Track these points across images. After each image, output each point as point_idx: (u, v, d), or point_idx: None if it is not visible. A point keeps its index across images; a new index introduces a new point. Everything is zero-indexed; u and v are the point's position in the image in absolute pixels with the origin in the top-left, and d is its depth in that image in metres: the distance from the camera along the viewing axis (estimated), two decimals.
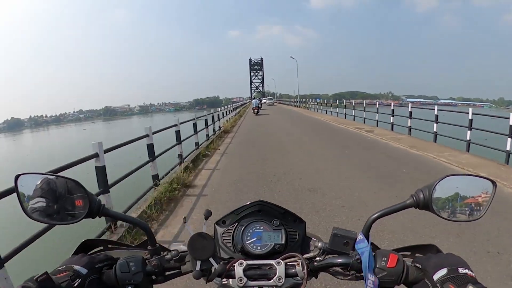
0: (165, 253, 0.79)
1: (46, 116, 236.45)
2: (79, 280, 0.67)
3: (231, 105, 29.00)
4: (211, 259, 0.73)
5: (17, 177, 0.70)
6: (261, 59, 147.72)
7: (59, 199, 0.72)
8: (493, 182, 0.70)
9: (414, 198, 0.72)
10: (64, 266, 0.70)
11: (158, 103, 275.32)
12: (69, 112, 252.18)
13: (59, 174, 0.74)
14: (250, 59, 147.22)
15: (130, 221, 0.83)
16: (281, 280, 0.73)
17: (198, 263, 0.72)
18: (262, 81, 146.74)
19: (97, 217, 0.76)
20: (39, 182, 0.71)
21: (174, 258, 0.77)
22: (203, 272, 0.73)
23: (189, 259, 0.77)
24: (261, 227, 0.86)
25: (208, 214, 0.82)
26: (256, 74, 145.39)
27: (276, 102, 70.66)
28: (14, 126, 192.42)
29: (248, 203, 0.89)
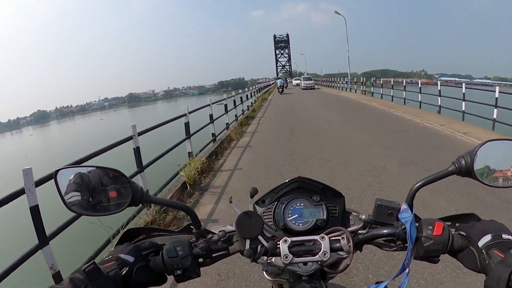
0: (212, 235, 0.80)
1: (71, 106, 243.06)
2: (127, 268, 0.69)
3: (255, 86, 28.68)
4: (260, 237, 0.73)
5: (56, 172, 0.71)
6: (287, 35, 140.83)
7: (101, 191, 0.73)
8: None
9: (456, 165, 0.72)
10: (110, 256, 0.71)
11: (183, 87, 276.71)
12: (95, 101, 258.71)
13: (98, 165, 0.76)
14: (274, 36, 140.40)
15: (174, 206, 0.87)
16: (326, 255, 0.74)
17: (247, 242, 0.72)
18: (289, 59, 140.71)
19: (140, 204, 0.79)
20: (79, 176, 0.73)
21: (221, 239, 0.77)
22: (253, 251, 0.73)
23: (236, 239, 0.77)
24: (302, 204, 0.87)
25: (254, 192, 0.84)
26: (282, 52, 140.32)
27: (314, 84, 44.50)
28: (40, 118, 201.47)
29: (286, 180, 0.90)
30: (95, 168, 0.74)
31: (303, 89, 41.06)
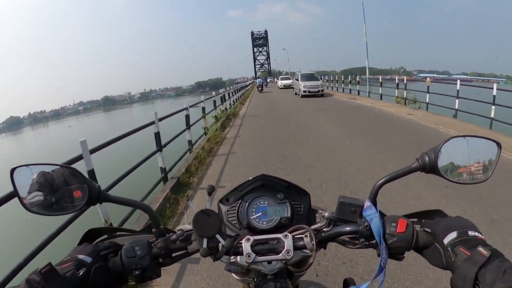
0: (171, 234, 0.79)
1: (44, 111, 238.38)
2: (84, 269, 0.68)
3: (232, 86, 27.63)
4: (217, 236, 0.73)
5: (13, 170, 0.70)
6: (265, 32, 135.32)
7: (58, 189, 0.72)
8: (498, 143, 0.70)
9: (420, 161, 0.72)
10: (68, 257, 0.70)
11: (160, 89, 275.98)
12: (70, 105, 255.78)
13: (56, 163, 0.75)
14: (252, 33, 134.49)
15: (132, 204, 0.82)
16: (289, 253, 0.74)
17: (205, 240, 0.72)
18: (268, 57, 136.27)
19: (98, 203, 0.76)
20: (36, 174, 0.71)
21: (180, 238, 0.76)
22: (211, 250, 0.72)
23: (195, 238, 0.77)
24: (266, 202, 0.87)
25: (211, 190, 0.82)
26: (260, 50, 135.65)
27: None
28: (13, 125, 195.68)
29: (250, 178, 0.90)
30: (52, 166, 0.73)
31: (280, 88, 37.13)
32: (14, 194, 1.98)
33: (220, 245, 0.73)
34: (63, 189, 0.72)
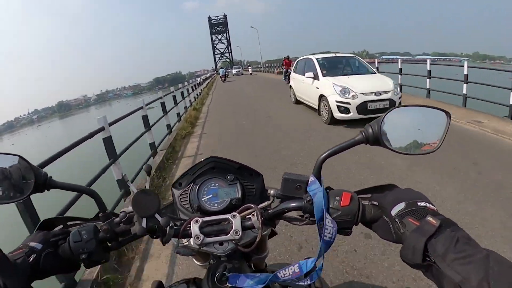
0: (115, 217, 0.79)
1: None
2: (34, 255, 0.69)
3: (193, 80, 25.94)
4: (156, 215, 0.71)
5: None
6: (224, 16, 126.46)
7: (5, 178, 0.73)
8: (447, 113, 0.69)
9: (363, 133, 0.72)
10: (21, 245, 0.72)
11: (117, 88, 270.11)
12: (24, 114, 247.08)
13: (1, 152, 0.76)
14: (209, 18, 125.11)
15: (78, 190, 0.83)
16: (238, 233, 0.75)
17: (144, 220, 0.71)
18: (229, 45, 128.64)
19: (46, 190, 0.77)
20: None
21: (122, 220, 0.76)
22: (154, 232, 0.72)
23: (136, 219, 0.75)
24: (216, 184, 0.89)
25: (149, 169, 0.83)
26: (220, 38, 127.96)
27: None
28: None
29: (201, 160, 0.92)
30: None
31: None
32: None
33: (160, 224, 0.71)
34: (9, 177, 0.73)
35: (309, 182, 0.74)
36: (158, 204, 0.72)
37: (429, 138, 0.71)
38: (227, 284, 0.76)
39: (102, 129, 4.51)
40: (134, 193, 0.71)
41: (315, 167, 0.75)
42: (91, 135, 4.08)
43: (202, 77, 31.94)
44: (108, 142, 4.60)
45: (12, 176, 0.73)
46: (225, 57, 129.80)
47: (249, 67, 55.97)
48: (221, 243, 0.77)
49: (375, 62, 14.09)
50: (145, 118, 6.84)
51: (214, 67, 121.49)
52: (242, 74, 49.42)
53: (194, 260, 0.99)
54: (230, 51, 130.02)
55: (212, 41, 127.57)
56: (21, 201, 0.76)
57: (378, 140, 0.70)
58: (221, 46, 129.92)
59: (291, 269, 0.73)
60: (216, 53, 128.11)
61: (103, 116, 4.66)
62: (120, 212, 0.77)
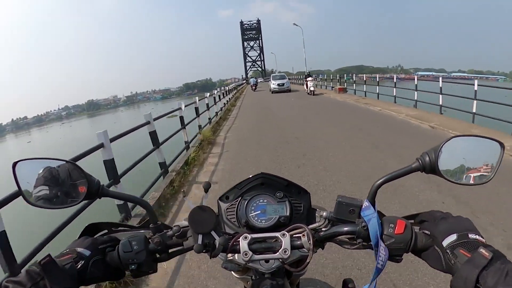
0: (167, 230, 0.81)
1: (26, 118, 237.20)
2: (82, 262, 0.71)
3: (223, 88, 25.54)
4: (212, 233, 0.74)
5: (14, 164, 0.74)
6: (258, 21, 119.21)
7: (59, 183, 0.75)
8: (501, 144, 0.70)
9: (420, 161, 0.72)
10: (68, 250, 0.73)
11: (147, 91, 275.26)
12: (54, 110, 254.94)
13: (56, 158, 0.78)
14: (241, 23, 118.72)
15: (131, 200, 0.86)
16: (287, 252, 0.75)
17: (200, 237, 0.74)
18: (261, 53, 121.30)
19: (97, 198, 0.79)
20: (38, 168, 0.75)
21: (176, 234, 0.78)
22: (206, 247, 0.74)
23: (191, 234, 0.77)
24: (265, 200, 0.89)
25: (207, 186, 0.85)
26: (252, 45, 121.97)
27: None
28: None
29: (250, 176, 0.92)
30: (53, 161, 0.76)
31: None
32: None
33: (216, 242, 0.74)
34: (64, 184, 0.75)
35: (363, 206, 0.75)
36: (214, 221, 0.75)
37: (483, 168, 0.71)
38: None
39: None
40: (191, 209, 0.74)
41: (370, 193, 0.76)
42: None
43: (226, 88, 26.05)
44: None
45: (66, 183, 0.75)
46: (256, 66, 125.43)
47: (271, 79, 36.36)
48: (267, 260, 0.77)
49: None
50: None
51: (244, 76, 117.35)
52: (289, 90, 28.72)
53: (233, 272, 1.00)
54: (262, 59, 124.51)
55: (244, 48, 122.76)
56: (72, 207, 0.76)
57: (434, 169, 0.70)
58: (253, 54, 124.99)
59: None
60: (247, 60, 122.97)
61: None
62: (174, 226, 0.80)
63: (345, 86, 23.20)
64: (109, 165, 4.25)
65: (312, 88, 22.44)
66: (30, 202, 0.74)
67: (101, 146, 4.13)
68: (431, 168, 0.71)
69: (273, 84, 29.17)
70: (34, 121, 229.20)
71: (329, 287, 1.53)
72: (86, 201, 0.79)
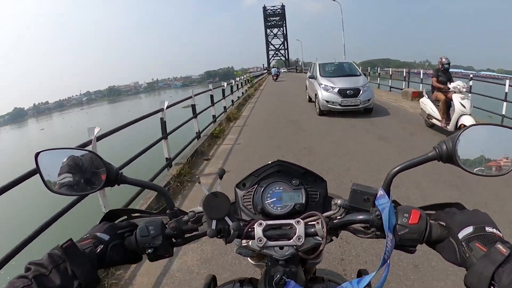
0: (183, 215, 0.84)
1: (47, 102, 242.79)
2: (102, 246, 0.75)
3: (243, 77, 25.66)
4: (226, 218, 0.77)
5: (37, 154, 0.77)
6: (282, 6, 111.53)
7: (81, 171, 0.79)
8: None
9: (437, 150, 0.72)
10: (87, 235, 0.77)
11: (168, 78, 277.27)
12: (76, 95, 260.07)
13: (75, 147, 0.83)
14: (264, 8, 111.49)
15: (148, 187, 0.89)
16: (300, 240, 0.77)
17: (214, 222, 0.76)
18: (285, 41, 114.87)
19: (116, 184, 0.82)
20: (60, 157, 0.79)
21: (191, 220, 0.81)
22: (220, 233, 0.77)
23: (205, 219, 0.80)
24: (281, 188, 0.91)
25: (221, 173, 0.89)
26: (275, 32, 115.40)
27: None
28: (17, 116, 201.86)
29: (267, 163, 0.94)
30: (74, 149, 0.81)
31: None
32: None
33: (230, 227, 0.76)
34: (86, 172, 0.79)
35: (378, 195, 0.76)
36: (228, 207, 0.77)
37: (503, 160, 0.70)
38: None
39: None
40: (205, 195, 0.77)
41: (385, 181, 0.76)
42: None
43: (241, 78, 23.63)
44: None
45: (86, 170, 0.79)
46: (280, 55, 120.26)
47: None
48: (281, 247, 0.79)
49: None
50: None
51: (265, 65, 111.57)
52: (371, 110, 11.35)
53: (249, 259, 1.05)
54: (286, 47, 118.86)
55: (266, 35, 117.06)
56: (90, 194, 0.83)
57: (451, 158, 0.70)
58: (276, 42, 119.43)
59: None
60: (270, 49, 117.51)
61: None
62: (189, 212, 0.83)
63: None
64: None
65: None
66: (52, 190, 0.78)
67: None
68: (448, 157, 0.71)
69: (327, 91, 11.04)
70: (55, 106, 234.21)
71: (343, 278, 1.49)
72: (101, 189, 0.82)
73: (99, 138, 3.94)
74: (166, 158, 6.16)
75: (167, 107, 6.21)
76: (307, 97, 14.20)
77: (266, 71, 70.06)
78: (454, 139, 0.70)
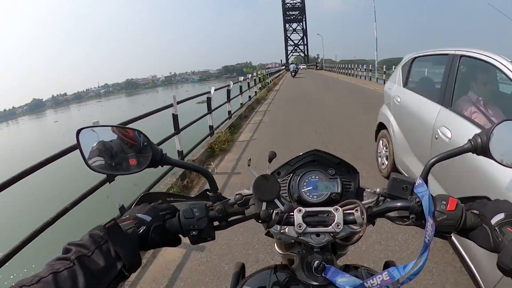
0: (228, 198, 0.84)
1: (65, 94, 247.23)
2: (144, 227, 0.74)
3: (261, 72, 25.16)
4: (276, 201, 0.76)
5: (78, 131, 0.76)
6: (302, 0, 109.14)
7: (123, 150, 0.77)
8: None
9: (472, 143, 0.77)
10: (128, 215, 0.77)
11: (186, 72, 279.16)
12: (94, 87, 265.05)
13: (118, 125, 0.81)
14: (283, 2, 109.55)
15: (193, 168, 0.88)
16: (339, 226, 0.78)
17: (264, 204, 0.75)
18: (304, 36, 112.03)
19: (160, 166, 0.81)
20: (101, 134, 0.78)
21: (238, 202, 0.80)
22: (271, 216, 0.76)
23: (253, 202, 0.79)
24: (317, 177, 0.94)
25: (272, 156, 0.88)
26: (294, 27, 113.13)
27: None
28: (35, 107, 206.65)
29: (302, 153, 0.97)
30: (117, 127, 0.79)
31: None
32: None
33: (273, 213, 0.75)
34: (129, 151, 0.78)
35: (416, 184, 0.78)
36: (279, 190, 0.75)
37: None
38: (322, 274, 0.81)
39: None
40: (255, 177, 0.76)
41: (423, 171, 0.79)
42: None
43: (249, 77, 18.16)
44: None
45: (131, 149, 0.78)
46: (299, 50, 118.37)
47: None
48: (317, 234, 0.81)
49: None
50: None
51: (283, 61, 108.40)
52: None
53: (277, 247, 1.10)
54: (305, 43, 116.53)
55: (285, 30, 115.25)
56: (134, 173, 0.78)
57: (485, 151, 0.75)
58: (295, 38, 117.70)
59: (379, 277, 0.73)
60: (288, 44, 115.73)
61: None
62: (236, 194, 0.82)
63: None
64: None
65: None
66: (92, 168, 0.76)
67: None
68: (483, 150, 0.75)
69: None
70: (74, 97, 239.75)
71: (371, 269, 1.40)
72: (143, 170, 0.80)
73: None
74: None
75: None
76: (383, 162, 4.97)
77: (284, 67, 69.08)
78: (488, 133, 0.74)
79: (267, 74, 28.87)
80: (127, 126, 0.80)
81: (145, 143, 0.78)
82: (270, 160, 0.88)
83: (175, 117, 6.10)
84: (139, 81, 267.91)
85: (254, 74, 19.77)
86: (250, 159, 0.88)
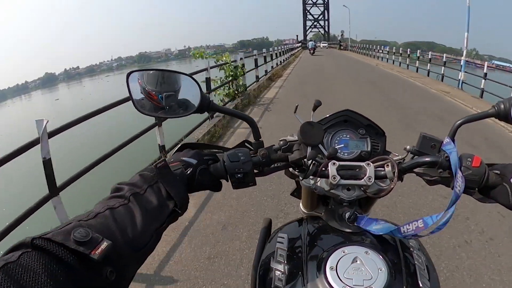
0: (272, 145, 0.89)
1: (78, 68, 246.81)
2: (191, 169, 0.77)
3: (279, 47, 24.84)
4: (320, 146, 0.84)
5: (129, 74, 0.81)
6: None
7: (171, 94, 0.83)
8: None
9: (496, 108, 0.84)
10: (173, 159, 0.80)
11: (201, 46, 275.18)
12: (107, 61, 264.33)
13: (169, 69, 0.85)
14: None
15: (238, 115, 0.94)
16: (371, 180, 0.83)
17: (309, 149, 0.82)
18: (325, 10, 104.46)
19: (206, 112, 0.87)
20: (150, 78, 0.84)
21: (282, 148, 0.87)
22: (298, 166, 0.85)
23: (297, 147, 0.85)
24: (348, 136, 1.01)
25: (318, 104, 0.95)
26: (314, 1, 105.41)
27: None
28: (47, 81, 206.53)
29: (334, 112, 1.02)
30: (166, 71, 0.84)
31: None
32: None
33: (312, 163, 0.82)
34: (177, 95, 0.84)
35: (444, 142, 0.84)
36: (323, 135, 0.84)
37: None
38: (355, 224, 0.88)
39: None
40: (301, 123, 0.83)
41: (450, 131, 0.86)
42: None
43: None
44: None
45: (179, 94, 0.84)
46: (318, 26, 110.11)
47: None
48: (348, 188, 0.87)
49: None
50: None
51: (298, 38, 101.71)
52: None
53: (302, 207, 1.16)
54: (326, 18, 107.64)
55: (304, 3, 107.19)
56: (182, 117, 0.87)
57: (507, 116, 0.82)
58: (315, 12, 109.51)
59: (414, 224, 0.77)
60: (307, 19, 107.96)
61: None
62: (280, 140, 0.88)
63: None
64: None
65: None
66: (141, 111, 0.83)
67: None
68: (505, 115, 0.82)
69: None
70: (86, 71, 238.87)
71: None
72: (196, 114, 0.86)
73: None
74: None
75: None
76: None
77: (300, 44, 64.39)
78: (511, 100, 0.82)
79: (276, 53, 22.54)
80: (175, 70, 0.85)
81: (193, 88, 0.83)
82: (314, 109, 0.94)
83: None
84: (152, 54, 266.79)
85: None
86: (297, 105, 0.97)
